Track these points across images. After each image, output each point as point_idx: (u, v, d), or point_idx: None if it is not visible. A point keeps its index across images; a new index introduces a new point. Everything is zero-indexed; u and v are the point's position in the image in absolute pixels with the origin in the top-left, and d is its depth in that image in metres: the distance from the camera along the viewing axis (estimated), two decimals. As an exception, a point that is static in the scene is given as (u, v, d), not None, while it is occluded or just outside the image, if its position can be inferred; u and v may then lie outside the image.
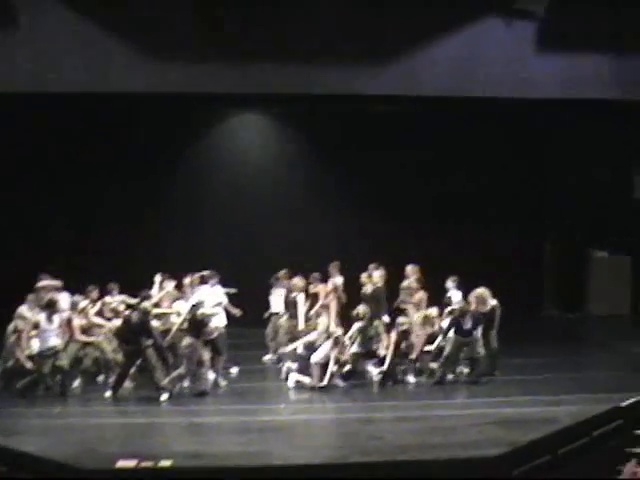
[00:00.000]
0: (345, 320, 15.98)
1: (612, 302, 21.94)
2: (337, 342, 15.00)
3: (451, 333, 15.19)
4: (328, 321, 15.51)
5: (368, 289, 16.52)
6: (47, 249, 20.01)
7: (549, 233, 22.87)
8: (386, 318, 16.19)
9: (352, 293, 16.81)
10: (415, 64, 17.21)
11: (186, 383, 14.73)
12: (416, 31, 17.09)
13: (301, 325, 16.20)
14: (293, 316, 16.37)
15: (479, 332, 15.27)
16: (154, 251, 21.13)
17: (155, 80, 16.80)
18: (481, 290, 15.61)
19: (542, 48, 17.30)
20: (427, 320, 15.81)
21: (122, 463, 10.55)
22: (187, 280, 16.02)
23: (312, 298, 16.74)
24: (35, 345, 14.50)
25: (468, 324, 15.13)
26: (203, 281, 15.99)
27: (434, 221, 21.37)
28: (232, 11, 16.47)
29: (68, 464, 10.44)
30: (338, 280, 17.02)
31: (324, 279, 16.97)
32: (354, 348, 15.19)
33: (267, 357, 17.02)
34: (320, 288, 16.73)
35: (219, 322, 15.52)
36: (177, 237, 21.66)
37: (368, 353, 15.28)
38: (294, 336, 16.03)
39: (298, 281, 16.54)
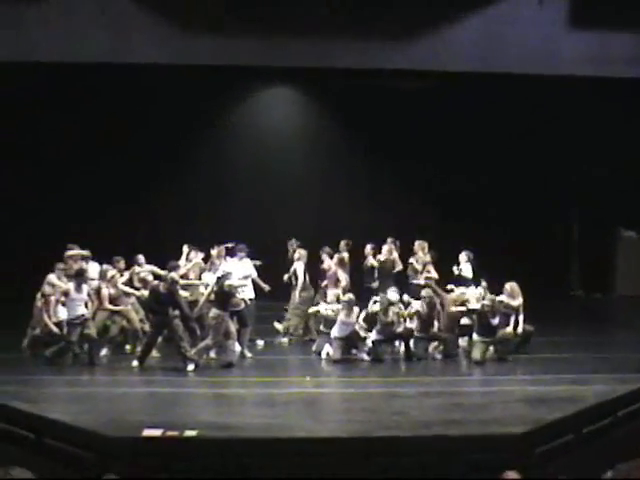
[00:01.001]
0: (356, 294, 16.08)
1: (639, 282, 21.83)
2: (349, 307, 15.09)
3: (475, 336, 15.16)
4: (337, 292, 15.74)
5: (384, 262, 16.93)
6: (70, 225, 20.11)
7: (577, 212, 22.73)
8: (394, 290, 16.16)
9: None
10: (445, 39, 17.14)
11: (212, 354, 14.84)
12: (447, 6, 17.00)
13: (296, 296, 16.45)
14: (306, 288, 16.60)
15: (509, 328, 15.27)
16: (178, 225, 21.26)
17: (181, 52, 16.82)
18: (513, 283, 15.59)
19: (574, 26, 17.16)
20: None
21: (148, 432, 10.65)
22: (214, 252, 16.06)
23: (322, 272, 16.96)
24: (62, 312, 14.65)
25: (495, 320, 15.10)
26: (230, 253, 16.05)
27: (460, 200, 21.23)
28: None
29: (95, 431, 10.56)
30: (344, 255, 17.12)
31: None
32: (373, 335, 15.24)
33: (280, 325, 17.02)
34: (328, 263, 16.94)
35: (247, 294, 15.61)
36: (201, 212, 21.67)
37: (388, 339, 15.31)
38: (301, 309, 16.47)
39: (300, 251, 16.76)
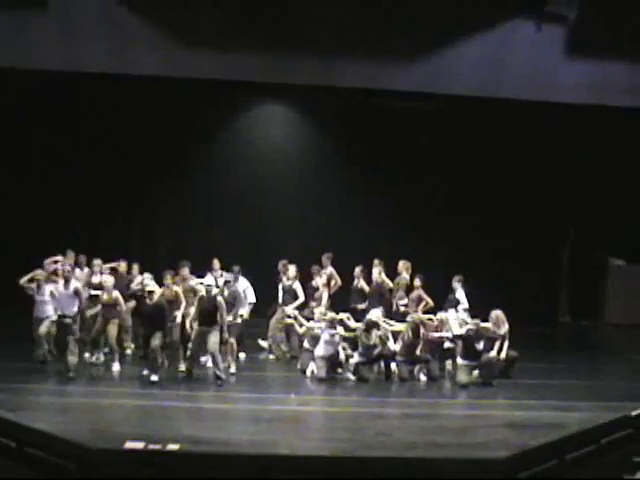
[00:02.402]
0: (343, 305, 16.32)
1: (628, 311, 21.86)
2: (332, 326, 15.17)
3: (459, 359, 15.16)
4: (324, 311, 15.79)
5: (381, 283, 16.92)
6: (65, 234, 20.12)
7: (567, 240, 22.76)
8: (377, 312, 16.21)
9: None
10: (443, 62, 17.23)
11: (209, 363, 14.91)
12: (446, 29, 17.10)
13: (291, 310, 16.46)
14: (287, 304, 16.66)
15: (493, 352, 15.27)
16: (173, 238, 21.37)
17: (179, 65, 16.87)
18: (499, 312, 15.62)
19: (571, 52, 17.26)
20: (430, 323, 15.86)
21: (130, 444, 10.61)
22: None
23: (312, 290, 17.00)
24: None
25: (480, 345, 15.12)
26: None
27: (449, 225, 21.25)
28: (263, -1, 16.54)
29: (77, 442, 10.52)
30: (328, 270, 17.25)
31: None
32: (355, 358, 15.26)
33: (265, 343, 17.04)
34: (318, 281, 17.00)
35: (241, 310, 15.65)
36: (194, 225, 21.70)
37: (369, 361, 15.31)
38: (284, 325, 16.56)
39: (292, 270, 16.78)
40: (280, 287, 16.93)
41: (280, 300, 16.84)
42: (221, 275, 16.02)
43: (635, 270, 22.29)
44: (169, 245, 21.41)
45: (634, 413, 12.22)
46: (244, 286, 16.17)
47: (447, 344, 15.59)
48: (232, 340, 15.10)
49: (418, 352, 15.41)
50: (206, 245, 21.37)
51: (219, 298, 14.56)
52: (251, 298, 16.45)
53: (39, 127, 20.30)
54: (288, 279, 16.81)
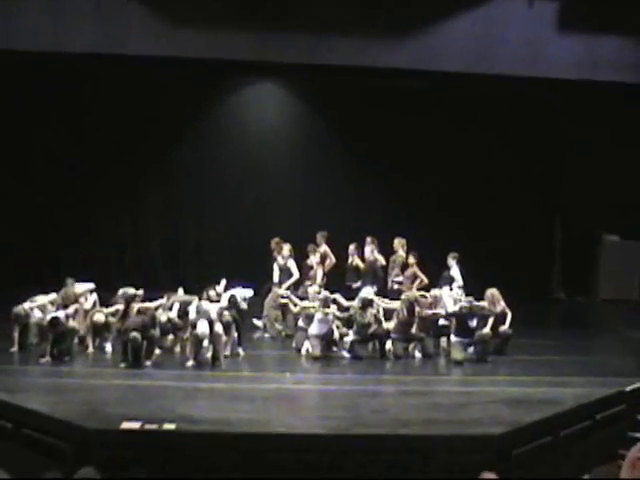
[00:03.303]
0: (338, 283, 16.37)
1: (622, 287, 21.89)
2: (325, 304, 15.19)
3: (453, 337, 15.18)
4: (318, 289, 15.84)
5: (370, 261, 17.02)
6: (49, 222, 20.18)
7: (561, 216, 22.76)
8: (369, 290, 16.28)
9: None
10: (434, 39, 17.17)
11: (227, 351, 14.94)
12: (436, 6, 17.03)
13: (283, 291, 16.56)
14: (282, 283, 16.76)
15: (486, 329, 15.29)
16: (165, 224, 21.42)
17: (169, 45, 16.76)
18: (494, 290, 15.63)
19: (562, 29, 17.20)
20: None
21: (127, 425, 10.63)
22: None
23: (306, 269, 17.11)
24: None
25: (474, 322, 15.13)
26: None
27: (443, 203, 21.23)
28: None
29: (73, 423, 10.54)
30: (322, 249, 17.37)
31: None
32: (350, 336, 15.28)
33: (259, 322, 17.04)
34: (312, 260, 17.12)
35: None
36: (186, 205, 21.65)
37: (364, 339, 15.33)
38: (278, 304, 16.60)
39: (286, 249, 16.90)
40: (275, 266, 16.94)
41: (276, 279, 16.86)
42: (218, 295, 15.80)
43: (629, 246, 22.29)
44: (161, 231, 21.42)
45: (628, 389, 12.29)
46: (241, 296, 15.85)
47: (442, 321, 15.60)
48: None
49: (413, 330, 15.42)
50: (196, 227, 21.43)
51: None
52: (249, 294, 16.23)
53: (21, 111, 20.02)
54: (283, 258, 16.83)
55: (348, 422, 11.34)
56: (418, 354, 15.38)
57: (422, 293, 16.11)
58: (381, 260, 17.10)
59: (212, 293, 15.40)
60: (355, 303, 15.46)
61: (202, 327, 14.07)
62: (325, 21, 16.76)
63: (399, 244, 17.29)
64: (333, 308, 15.40)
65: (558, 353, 15.86)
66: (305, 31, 16.82)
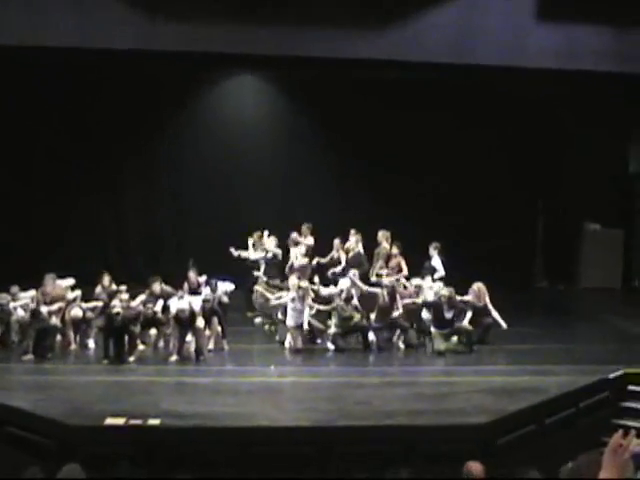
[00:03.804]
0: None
1: (603, 275, 21.96)
2: (303, 295, 15.20)
3: (433, 328, 15.18)
4: (296, 282, 15.65)
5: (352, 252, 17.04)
6: (33, 216, 20.10)
7: (542, 205, 22.82)
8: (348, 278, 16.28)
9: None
10: (413, 30, 17.11)
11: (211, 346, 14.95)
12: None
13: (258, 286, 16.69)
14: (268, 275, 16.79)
15: (465, 322, 15.32)
16: (144, 218, 21.37)
17: (147, 37, 16.62)
18: (480, 284, 15.64)
19: (541, 18, 17.21)
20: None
21: (111, 421, 10.61)
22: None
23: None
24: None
25: (449, 314, 15.13)
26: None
27: (425, 193, 21.21)
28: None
29: (56, 420, 10.51)
30: (309, 241, 17.41)
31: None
32: (332, 329, 15.28)
33: (258, 320, 17.05)
34: (296, 251, 17.22)
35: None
36: (166, 200, 21.58)
37: (347, 332, 15.32)
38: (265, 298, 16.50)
39: (270, 241, 17.04)
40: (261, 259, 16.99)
41: (262, 272, 16.91)
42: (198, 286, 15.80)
43: (610, 234, 22.37)
44: (142, 226, 21.37)
45: (611, 376, 12.36)
46: (222, 290, 15.88)
47: (424, 314, 15.57)
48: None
49: (394, 316, 15.43)
50: (178, 222, 21.39)
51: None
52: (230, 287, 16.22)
53: (4, 104, 19.88)
54: (267, 251, 16.84)
55: (333, 414, 11.37)
56: (401, 345, 15.40)
57: (403, 282, 16.14)
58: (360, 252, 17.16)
59: (191, 275, 15.50)
60: (334, 290, 15.45)
61: (181, 304, 14.14)
62: (306, 13, 16.68)
63: (383, 236, 17.31)
64: (315, 303, 15.40)
65: (541, 342, 15.90)
66: (286, 23, 16.73)
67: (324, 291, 15.75)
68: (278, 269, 17.14)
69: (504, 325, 15.46)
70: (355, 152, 21.23)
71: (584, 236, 22.57)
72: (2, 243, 19.78)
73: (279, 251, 17.23)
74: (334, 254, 17.44)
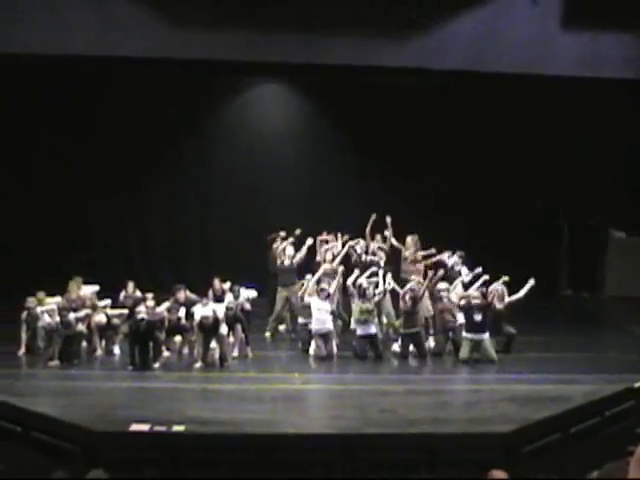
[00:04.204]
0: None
1: (629, 283, 21.81)
2: (323, 298, 15.20)
3: (465, 333, 15.13)
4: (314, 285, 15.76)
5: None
6: (55, 225, 20.26)
7: (568, 213, 22.74)
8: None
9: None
10: (437, 38, 17.11)
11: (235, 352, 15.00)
12: (440, 4, 16.97)
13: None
14: (286, 284, 16.63)
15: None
16: (167, 222, 21.46)
17: (170, 46, 16.67)
18: (500, 287, 15.60)
19: (566, 26, 17.17)
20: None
21: (136, 427, 10.65)
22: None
23: (316, 266, 17.01)
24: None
25: (479, 317, 15.07)
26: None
27: (448, 199, 21.23)
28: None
29: (82, 425, 10.55)
30: (336, 246, 17.26)
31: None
32: (358, 330, 15.23)
33: (282, 327, 17.04)
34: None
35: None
36: (188, 207, 21.68)
37: (370, 336, 15.20)
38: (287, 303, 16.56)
39: (290, 250, 16.89)
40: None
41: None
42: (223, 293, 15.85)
43: (636, 242, 22.23)
44: (166, 233, 21.45)
45: (637, 385, 12.27)
46: (245, 297, 15.88)
47: (449, 317, 15.50)
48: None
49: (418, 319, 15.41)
50: (202, 228, 21.45)
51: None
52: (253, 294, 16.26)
53: (22, 112, 19.93)
54: (288, 258, 16.80)
55: (357, 422, 11.36)
56: (425, 353, 15.32)
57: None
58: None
59: (216, 282, 15.53)
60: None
61: (205, 311, 14.18)
62: (327, 20, 16.70)
63: (412, 241, 17.21)
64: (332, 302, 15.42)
65: (565, 350, 15.86)
66: (309, 31, 16.77)
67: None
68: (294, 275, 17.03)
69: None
70: (379, 157, 21.24)
71: (609, 244, 22.46)
72: (26, 248, 19.92)
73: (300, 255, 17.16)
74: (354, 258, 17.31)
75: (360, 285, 15.45)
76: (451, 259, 17.03)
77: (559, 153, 21.75)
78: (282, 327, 16.99)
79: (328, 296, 15.32)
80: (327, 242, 17.38)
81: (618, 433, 11.50)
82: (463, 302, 15.27)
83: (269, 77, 21.20)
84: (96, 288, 15.80)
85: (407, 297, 15.29)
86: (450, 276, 16.71)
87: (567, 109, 20.92)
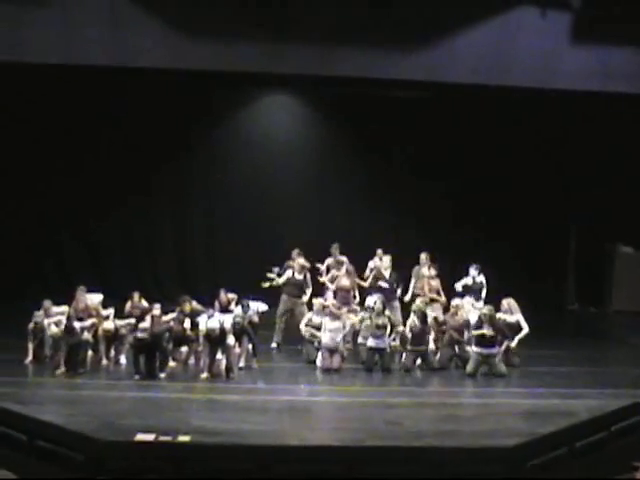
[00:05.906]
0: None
1: (636, 298, 21.80)
2: (334, 314, 15.37)
3: (474, 346, 15.10)
4: (320, 301, 15.90)
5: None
6: (66, 231, 20.38)
7: (575, 227, 22.71)
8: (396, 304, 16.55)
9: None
10: (446, 50, 17.12)
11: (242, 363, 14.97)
12: (449, 16, 16.98)
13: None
14: (293, 296, 16.68)
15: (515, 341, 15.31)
16: (175, 235, 21.54)
17: (180, 56, 16.69)
18: (510, 300, 15.60)
19: (576, 40, 17.17)
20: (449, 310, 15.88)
21: (141, 436, 10.64)
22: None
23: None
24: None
25: (488, 330, 15.01)
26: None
27: (456, 213, 21.23)
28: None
29: (87, 435, 10.54)
30: (343, 260, 17.37)
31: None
32: (370, 342, 15.20)
33: (273, 344, 16.94)
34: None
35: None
36: (196, 217, 21.73)
37: (380, 350, 15.18)
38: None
39: (302, 262, 16.82)
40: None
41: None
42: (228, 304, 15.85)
43: (643, 257, 22.26)
44: (173, 243, 21.50)
45: (645, 400, 12.22)
46: (254, 309, 15.78)
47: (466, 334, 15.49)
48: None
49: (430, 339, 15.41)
50: (211, 240, 21.46)
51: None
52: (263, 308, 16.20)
53: (37, 122, 20.08)
54: (299, 272, 16.74)
55: (362, 434, 11.34)
56: (430, 366, 15.31)
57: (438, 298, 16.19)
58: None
59: (222, 293, 15.58)
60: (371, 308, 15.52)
61: (211, 323, 14.14)
62: (340, 32, 16.74)
63: (426, 258, 17.18)
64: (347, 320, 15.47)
65: (572, 364, 15.82)
66: (320, 42, 16.80)
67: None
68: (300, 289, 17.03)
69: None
70: (390, 169, 21.27)
71: (616, 259, 22.43)
72: (35, 258, 19.97)
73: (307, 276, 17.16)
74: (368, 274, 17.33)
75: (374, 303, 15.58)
76: (471, 270, 16.97)
77: (567, 168, 21.73)
78: (274, 345, 16.88)
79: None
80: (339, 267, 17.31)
81: (624, 448, 11.46)
82: (472, 316, 15.29)
83: (279, 88, 21.23)
84: (100, 297, 15.82)
85: (415, 316, 15.32)
86: (472, 288, 16.71)
87: (576, 124, 20.91)
